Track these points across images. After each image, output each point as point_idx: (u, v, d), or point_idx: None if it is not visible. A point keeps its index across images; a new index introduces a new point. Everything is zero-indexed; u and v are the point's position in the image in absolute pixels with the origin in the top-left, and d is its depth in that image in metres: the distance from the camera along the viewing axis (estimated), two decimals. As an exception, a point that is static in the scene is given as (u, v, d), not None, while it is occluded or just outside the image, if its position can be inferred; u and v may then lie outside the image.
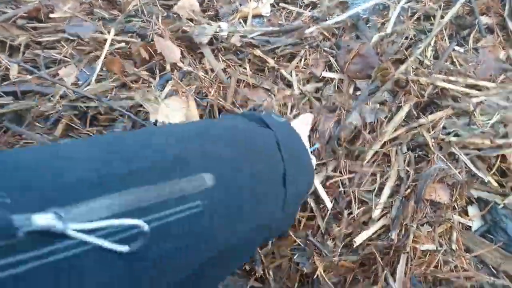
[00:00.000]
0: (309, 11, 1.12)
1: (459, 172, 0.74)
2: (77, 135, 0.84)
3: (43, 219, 0.23)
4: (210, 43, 1.01)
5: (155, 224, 0.28)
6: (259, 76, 0.99)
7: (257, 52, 0.99)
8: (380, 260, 0.63)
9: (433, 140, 0.79)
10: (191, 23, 1.03)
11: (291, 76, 0.97)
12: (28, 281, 0.22)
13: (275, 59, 1.01)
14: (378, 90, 0.91)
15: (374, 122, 0.84)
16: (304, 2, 1.14)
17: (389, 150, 0.80)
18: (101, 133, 0.84)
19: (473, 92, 0.87)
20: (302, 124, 0.65)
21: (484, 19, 1.03)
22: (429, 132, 0.81)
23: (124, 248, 0.26)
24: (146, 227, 0.27)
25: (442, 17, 1.01)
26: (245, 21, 1.12)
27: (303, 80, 0.98)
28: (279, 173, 0.43)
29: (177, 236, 0.30)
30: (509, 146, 0.77)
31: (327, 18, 1.06)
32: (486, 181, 0.75)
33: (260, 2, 1.14)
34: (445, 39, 0.98)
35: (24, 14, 0.94)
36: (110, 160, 0.29)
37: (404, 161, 0.77)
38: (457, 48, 0.97)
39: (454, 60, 0.95)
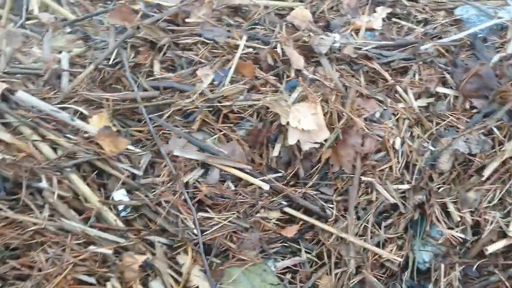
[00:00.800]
0: (422, 27, 1.15)
1: None
2: (210, 130, 0.94)
3: None
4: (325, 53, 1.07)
5: None
6: (372, 87, 1.04)
7: (373, 64, 1.04)
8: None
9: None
10: (309, 33, 1.10)
11: (406, 90, 1.01)
12: None
13: (389, 72, 1.05)
14: (495, 111, 0.93)
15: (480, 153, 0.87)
16: (417, 18, 1.17)
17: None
18: (232, 129, 0.93)
19: None
20: None
21: None
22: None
23: None
24: None
25: None
26: (356, 34, 1.17)
27: (414, 94, 1.02)
28: None
29: None
30: None
31: (442, 36, 1.08)
32: None
33: (372, 16, 1.19)
34: None
35: (168, 18, 1.05)
36: None
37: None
38: None
39: None
